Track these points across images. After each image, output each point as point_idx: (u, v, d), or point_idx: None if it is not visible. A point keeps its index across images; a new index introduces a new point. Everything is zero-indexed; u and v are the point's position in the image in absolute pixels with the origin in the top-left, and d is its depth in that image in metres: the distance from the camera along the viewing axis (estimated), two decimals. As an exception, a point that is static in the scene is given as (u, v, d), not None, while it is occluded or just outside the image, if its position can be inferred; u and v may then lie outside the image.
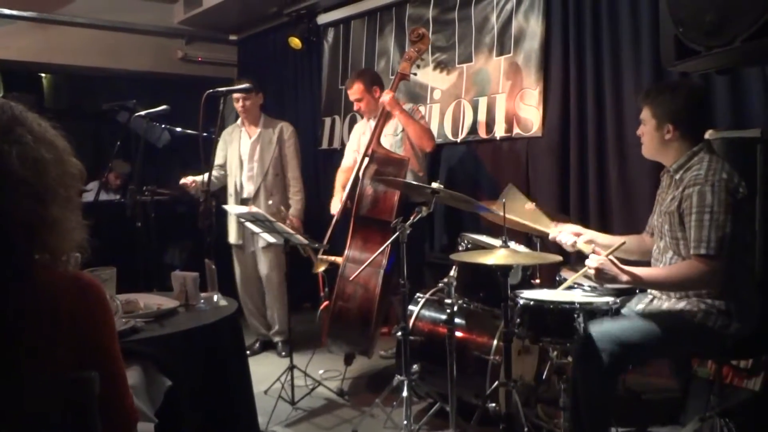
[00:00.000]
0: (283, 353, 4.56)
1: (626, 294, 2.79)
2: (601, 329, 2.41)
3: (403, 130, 4.14)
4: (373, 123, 4.24)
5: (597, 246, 2.77)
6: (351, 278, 3.49)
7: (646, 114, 2.57)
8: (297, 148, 4.73)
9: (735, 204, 2.30)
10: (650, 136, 2.57)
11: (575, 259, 3.89)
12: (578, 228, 2.83)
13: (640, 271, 2.41)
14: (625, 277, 2.37)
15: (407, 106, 4.19)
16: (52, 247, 1.37)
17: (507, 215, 2.74)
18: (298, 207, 4.62)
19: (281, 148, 4.65)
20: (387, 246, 3.13)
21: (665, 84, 2.69)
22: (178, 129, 5.69)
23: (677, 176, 2.50)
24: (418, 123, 4.10)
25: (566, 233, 2.80)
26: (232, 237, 4.73)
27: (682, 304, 2.45)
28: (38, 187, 1.33)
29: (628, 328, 2.41)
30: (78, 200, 1.45)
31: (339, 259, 3.82)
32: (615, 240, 2.84)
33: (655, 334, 2.39)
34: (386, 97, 4.01)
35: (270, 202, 4.50)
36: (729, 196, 2.30)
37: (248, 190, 4.64)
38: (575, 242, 2.78)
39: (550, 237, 2.87)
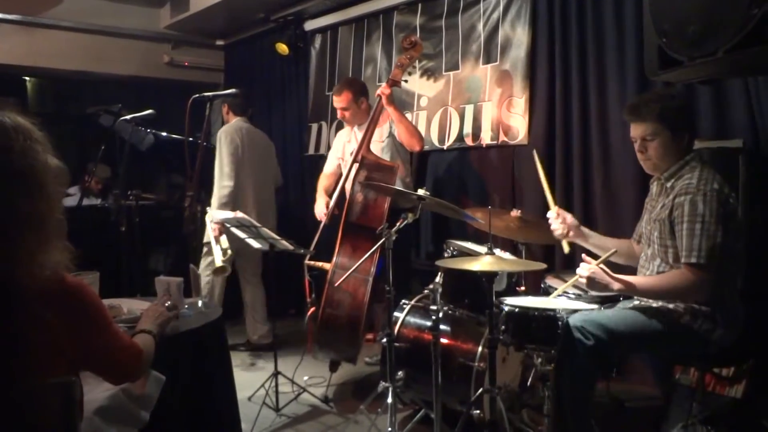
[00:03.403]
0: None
1: (611, 301, 2.81)
2: (589, 314, 2.43)
3: (389, 136, 4.14)
4: (357, 130, 4.24)
5: (586, 245, 2.80)
6: (336, 284, 3.48)
7: (653, 128, 2.48)
8: (220, 151, 4.50)
9: (725, 214, 2.32)
10: (665, 149, 2.49)
11: (560, 266, 3.92)
12: (575, 222, 2.85)
13: (631, 279, 2.43)
14: (616, 285, 2.39)
15: None
16: (27, 274, 1.36)
17: (536, 165, 2.89)
18: (211, 210, 4.33)
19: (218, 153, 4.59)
20: (373, 253, 3.13)
21: (658, 94, 2.58)
22: (164, 133, 5.66)
23: (668, 184, 2.51)
24: (409, 122, 4.12)
25: (559, 221, 2.82)
26: None
27: (670, 306, 2.47)
28: (2, 239, 1.33)
29: (618, 316, 2.45)
30: (57, 220, 1.44)
31: (327, 265, 3.81)
32: (608, 241, 2.87)
33: (642, 327, 2.41)
34: (386, 90, 3.97)
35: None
36: (720, 207, 2.31)
37: None
38: (566, 233, 2.80)
39: (548, 214, 2.89)
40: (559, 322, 2.55)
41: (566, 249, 2.89)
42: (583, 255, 2.51)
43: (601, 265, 2.42)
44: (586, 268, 2.41)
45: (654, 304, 2.53)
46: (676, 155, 2.51)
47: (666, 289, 2.41)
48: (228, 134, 4.56)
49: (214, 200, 4.47)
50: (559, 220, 2.84)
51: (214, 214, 4.23)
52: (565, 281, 3.05)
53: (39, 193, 1.38)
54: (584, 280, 2.41)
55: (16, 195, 1.34)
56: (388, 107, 4.00)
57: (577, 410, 2.42)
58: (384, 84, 4.08)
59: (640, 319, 2.43)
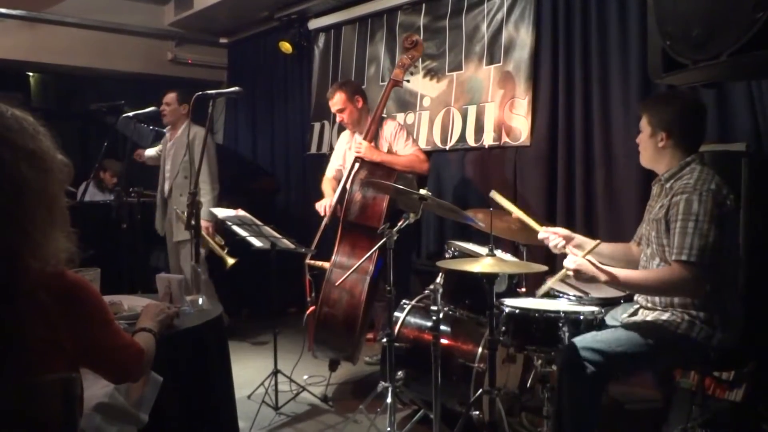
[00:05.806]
0: None
1: (611, 304, 2.81)
2: (585, 340, 2.42)
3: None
4: (358, 136, 4.21)
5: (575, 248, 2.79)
6: (337, 283, 3.48)
7: (643, 122, 2.61)
8: (207, 153, 4.40)
9: (721, 215, 2.32)
10: (645, 144, 2.60)
11: (560, 268, 3.91)
12: (567, 231, 2.84)
13: (617, 271, 2.42)
14: (603, 277, 2.38)
15: (392, 124, 4.14)
16: (36, 262, 1.37)
17: (500, 204, 2.82)
18: (205, 210, 4.29)
19: (190, 152, 4.62)
20: (374, 252, 3.13)
21: (664, 94, 2.72)
22: (166, 130, 5.66)
23: (667, 185, 2.52)
24: (403, 158, 4.02)
25: (555, 236, 2.81)
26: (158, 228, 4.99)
27: (666, 315, 2.46)
28: (18, 214, 1.34)
29: (612, 339, 2.42)
30: (64, 207, 1.46)
31: (326, 264, 3.81)
32: (604, 246, 2.85)
33: (638, 346, 2.40)
34: (362, 149, 3.93)
35: (175, 206, 4.67)
36: (715, 207, 2.31)
37: (166, 188, 4.93)
38: (564, 245, 2.78)
39: (539, 236, 2.88)
40: (560, 323, 2.55)
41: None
42: (569, 247, 2.52)
43: (588, 257, 2.43)
44: (573, 260, 2.43)
45: (648, 318, 2.51)
46: (655, 153, 2.57)
47: (654, 283, 2.41)
48: (209, 137, 4.55)
49: (206, 201, 4.49)
50: (552, 235, 2.81)
51: (217, 212, 4.24)
52: (565, 282, 3.04)
53: (48, 175, 1.42)
54: (571, 273, 2.42)
55: (29, 169, 1.37)
56: (374, 159, 3.94)
57: (578, 428, 2.41)
58: (358, 144, 4.03)
59: (636, 338, 2.41)
